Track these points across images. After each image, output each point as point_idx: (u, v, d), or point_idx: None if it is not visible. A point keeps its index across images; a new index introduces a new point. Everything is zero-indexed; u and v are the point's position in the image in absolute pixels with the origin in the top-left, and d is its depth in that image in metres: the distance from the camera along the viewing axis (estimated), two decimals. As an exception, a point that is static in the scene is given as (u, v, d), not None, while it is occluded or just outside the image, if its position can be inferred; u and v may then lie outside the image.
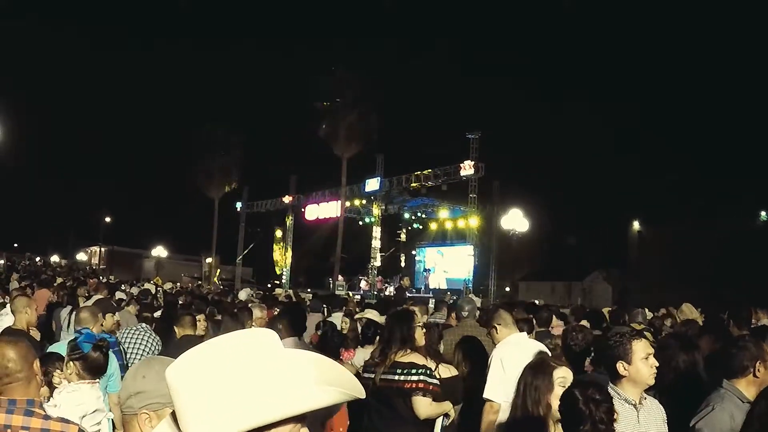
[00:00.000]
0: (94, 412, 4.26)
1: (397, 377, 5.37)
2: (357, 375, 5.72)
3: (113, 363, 5.54)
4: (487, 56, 67.43)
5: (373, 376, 5.47)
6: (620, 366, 4.11)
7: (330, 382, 1.52)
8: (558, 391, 3.70)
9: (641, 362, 4.11)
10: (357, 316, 10.86)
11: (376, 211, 43.47)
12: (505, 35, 71.16)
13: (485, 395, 5.50)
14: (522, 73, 62.56)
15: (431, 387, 5.35)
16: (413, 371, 5.36)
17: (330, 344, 7.06)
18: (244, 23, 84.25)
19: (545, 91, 61.60)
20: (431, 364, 5.56)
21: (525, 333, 6.60)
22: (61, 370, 4.47)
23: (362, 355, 7.51)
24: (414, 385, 5.31)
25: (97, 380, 4.41)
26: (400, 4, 74.07)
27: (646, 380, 4.13)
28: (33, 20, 74.12)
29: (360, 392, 1.57)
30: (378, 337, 8.06)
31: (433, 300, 25.28)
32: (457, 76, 63.08)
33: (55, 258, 72.81)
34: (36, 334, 6.51)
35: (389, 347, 5.54)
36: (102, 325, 6.77)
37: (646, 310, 13.65)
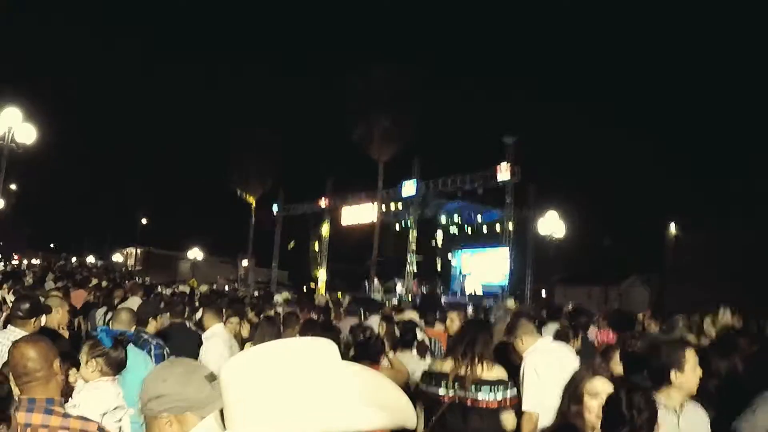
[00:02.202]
0: (115, 409, 4.29)
1: (488, 396, 5.15)
2: (416, 388, 5.73)
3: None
4: (523, 59, 67.08)
5: (444, 392, 5.23)
6: (672, 374, 4.14)
7: (381, 404, 1.51)
8: (589, 403, 3.65)
9: (691, 371, 4.16)
10: (397, 317, 10.92)
11: (412, 214, 43.46)
12: (537, 38, 70.72)
13: (524, 407, 5.40)
14: (558, 77, 62.19)
15: (516, 401, 5.27)
16: (501, 387, 5.19)
17: (371, 350, 7.03)
18: (284, 29, 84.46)
19: (580, 94, 61.12)
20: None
21: (550, 337, 6.57)
22: (77, 369, 4.54)
23: (404, 359, 7.42)
24: (505, 403, 5.18)
25: (117, 377, 4.46)
26: (433, 8, 74.17)
27: (692, 389, 4.19)
28: (60, 21, 74.78)
29: (412, 422, 1.56)
30: (416, 342, 8.10)
31: (471, 305, 25.34)
32: (494, 78, 62.83)
33: (91, 259, 73.31)
34: (65, 334, 6.63)
35: (471, 361, 5.26)
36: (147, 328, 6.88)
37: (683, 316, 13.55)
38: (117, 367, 4.43)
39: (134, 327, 6.72)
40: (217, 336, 7.95)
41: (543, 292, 49.37)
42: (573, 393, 3.74)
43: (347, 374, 1.53)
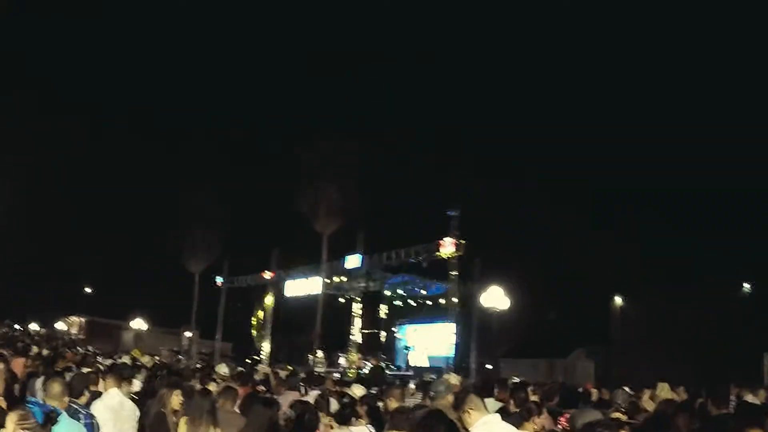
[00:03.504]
0: None
1: None
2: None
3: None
4: (466, 134, 67.97)
5: None
6: None
7: None
8: None
9: None
10: (347, 390, 10.75)
11: (356, 288, 43.35)
12: (481, 113, 71.85)
13: None
14: (501, 151, 63.05)
15: None
16: None
17: (307, 426, 6.93)
18: (229, 98, 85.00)
19: (524, 169, 61.99)
20: None
21: (498, 415, 6.45)
22: None
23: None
24: None
25: None
26: (374, 80, 75.57)
27: None
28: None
29: None
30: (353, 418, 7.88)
31: (414, 380, 25.07)
32: (438, 152, 63.52)
33: (34, 326, 72.17)
34: (2, 403, 6.44)
35: None
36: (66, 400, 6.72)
37: (627, 388, 13.57)
38: None
39: (66, 400, 6.59)
40: (106, 399, 8.22)
41: (488, 365, 49.21)
42: None
43: None
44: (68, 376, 10.66)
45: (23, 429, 4.26)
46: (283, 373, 19.72)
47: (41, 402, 4.47)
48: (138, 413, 8.71)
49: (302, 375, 22.33)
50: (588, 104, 69.49)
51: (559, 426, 6.49)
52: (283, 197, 43.49)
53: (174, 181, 63.95)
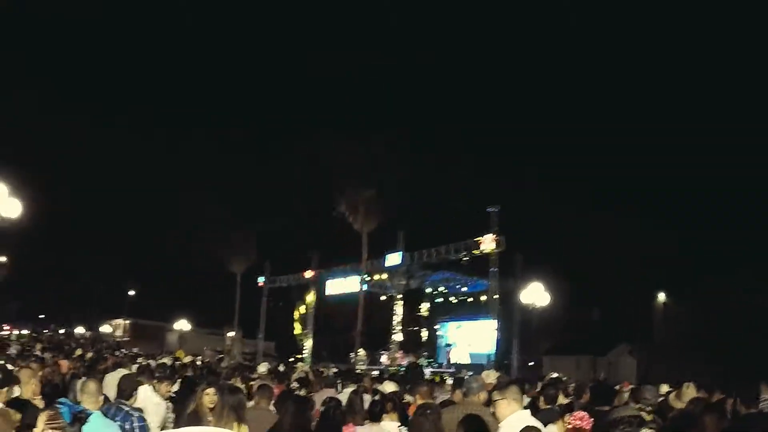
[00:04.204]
0: None
1: None
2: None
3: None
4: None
5: None
6: None
7: None
8: None
9: None
10: (379, 388, 10.80)
11: (397, 285, 43.40)
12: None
13: None
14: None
15: None
16: None
17: (331, 421, 6.96)
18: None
19: (566, 165, 61.64)
20: None
21: (528, 411, 6.44)
22: None
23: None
24: None
25: None
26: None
27: None
28: (48, 95, 75.75)
29: None
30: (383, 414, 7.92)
31: (452, 377, 25.02)
32: (479, 148, 63.32)
33: (80, 330, 73.32)
34: (40, 403, 6.60)
35: None
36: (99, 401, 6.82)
37: (666, 386, 13.43)
38: None
39: (101, 400, 6.75)
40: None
41: (531, 362, 48.99)
42: None
43: None
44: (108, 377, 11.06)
45: (52, 429, 4.36)
46: (327, 372, 19.91)
47: (71, 403, 4.58)
48: (168, 411, 9.03)
49: (334, 370, 22.55)
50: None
51: (570, 424, 6.43)
52: (324, 196, 43.73)
53: (216, 182, 64.68)
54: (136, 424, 6.66)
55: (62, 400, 4.68)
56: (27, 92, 58.51)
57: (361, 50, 75.53)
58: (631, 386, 15.99)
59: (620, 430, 4.22)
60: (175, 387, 11.49)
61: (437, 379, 22.20)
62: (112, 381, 10.21)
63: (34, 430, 4.50)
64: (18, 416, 5.20)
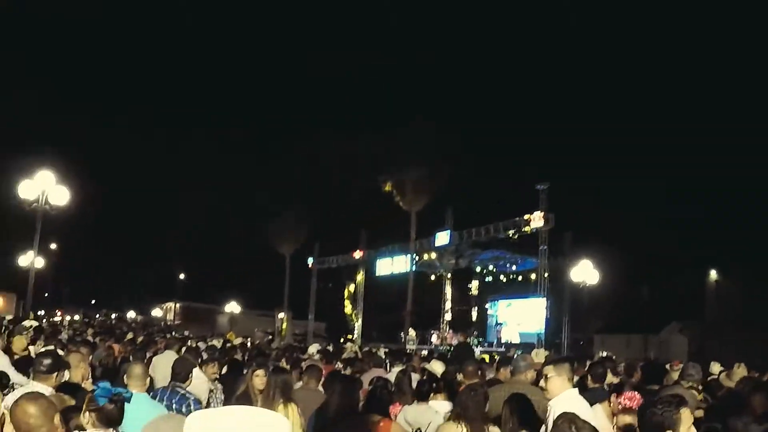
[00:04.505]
0: None
1: None
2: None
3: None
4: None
5: None
6: None
7: None
8: None
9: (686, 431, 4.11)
10: (427, 367, 10.87)
11: (446, 265, 43.43)
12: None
13: None
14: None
15: None
16: None
17: (378, 401, 6.96)
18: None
19: (610, 142, 61.01)
20: None
21: (576, 390, 6.42)
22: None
23: (413, 411, 7.39)
24: None
25: (111, 430, 4.49)
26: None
27: None
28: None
29: None
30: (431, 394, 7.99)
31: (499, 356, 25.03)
32: (526, 125, 62.93)
33: (131, 314, 74.50)
34: (89, 387, 6.76)
35: None
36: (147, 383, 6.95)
37: (718, 365, 13.31)
38: (108, 422, 4.47)
39: (147, 382, 6.78)
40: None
41: (581, 341, 48.76)
42: None
43: None
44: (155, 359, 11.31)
45: (89, 411, 4.47)
46: (377, 352, 20.04)
47: (109, 386, 4.70)
48: (217, 392, 9.33)
49: (384, 350, 22.62)
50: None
51: (620, 404, 6.38)
52: (371, 177, 43.85)
53: (264, 169, 65.17)
54: (193, 408, 6.80)
55: (101, 383, 4.80)
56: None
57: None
58: (681, 365, 15.89)
59: (659, 409, 4.23)
60: (225, 369, 11.66)
61: (487, 358, 22.10)
62: (159, 363, 10.50)
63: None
64: (72, 401, 5.34)
